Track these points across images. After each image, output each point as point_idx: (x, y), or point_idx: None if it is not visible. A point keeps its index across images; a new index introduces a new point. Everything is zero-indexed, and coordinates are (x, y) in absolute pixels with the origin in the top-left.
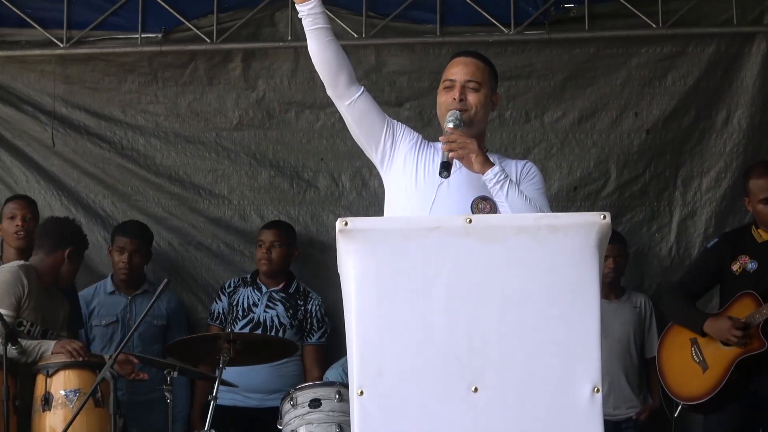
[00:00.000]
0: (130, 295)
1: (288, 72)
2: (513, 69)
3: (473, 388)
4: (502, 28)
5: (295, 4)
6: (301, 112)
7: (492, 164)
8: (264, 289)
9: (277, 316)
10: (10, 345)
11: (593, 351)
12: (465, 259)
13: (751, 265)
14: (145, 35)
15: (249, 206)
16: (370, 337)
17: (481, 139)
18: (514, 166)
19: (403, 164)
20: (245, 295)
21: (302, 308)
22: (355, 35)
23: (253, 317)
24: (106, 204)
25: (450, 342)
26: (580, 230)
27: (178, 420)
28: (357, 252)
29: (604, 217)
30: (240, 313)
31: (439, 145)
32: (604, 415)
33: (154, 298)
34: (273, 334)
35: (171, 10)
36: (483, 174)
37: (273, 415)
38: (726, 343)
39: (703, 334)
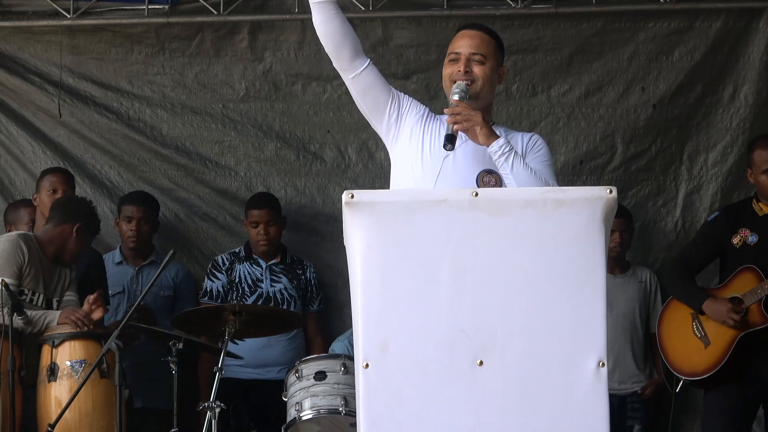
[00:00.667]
0: (138, 266)
1: (295, 44)
2: (520, 43)
3: (478, 362)
4: (510, 2)
5: None
6: (307, 85)
7: (497, 136)
8: (263, 263)
9: (285, 289)
10: (15, 315)
11: (599, 325)
12: (471, 233)
13: (752, 239)
14: (152, 6)
15: (255, 178)
16: (376, 310)
17: (488, 112)
18: (521, 139)
19: (409, 137)
20: (244, 270)
21: (302, 277)
22: (362, 8)
23: (262, 292)
24: (113, 175)
25: (455, 315)
26: (586, 204)
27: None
28: (363, 225)
29: (611, 191)
30: (246, 289)
31: (446, 117)
32: (610, 389)
33: (160, 268)
34: (285, 307)
35: None
36: (488, 146)
37: (280, 387)
38: None
39: (702, 313)
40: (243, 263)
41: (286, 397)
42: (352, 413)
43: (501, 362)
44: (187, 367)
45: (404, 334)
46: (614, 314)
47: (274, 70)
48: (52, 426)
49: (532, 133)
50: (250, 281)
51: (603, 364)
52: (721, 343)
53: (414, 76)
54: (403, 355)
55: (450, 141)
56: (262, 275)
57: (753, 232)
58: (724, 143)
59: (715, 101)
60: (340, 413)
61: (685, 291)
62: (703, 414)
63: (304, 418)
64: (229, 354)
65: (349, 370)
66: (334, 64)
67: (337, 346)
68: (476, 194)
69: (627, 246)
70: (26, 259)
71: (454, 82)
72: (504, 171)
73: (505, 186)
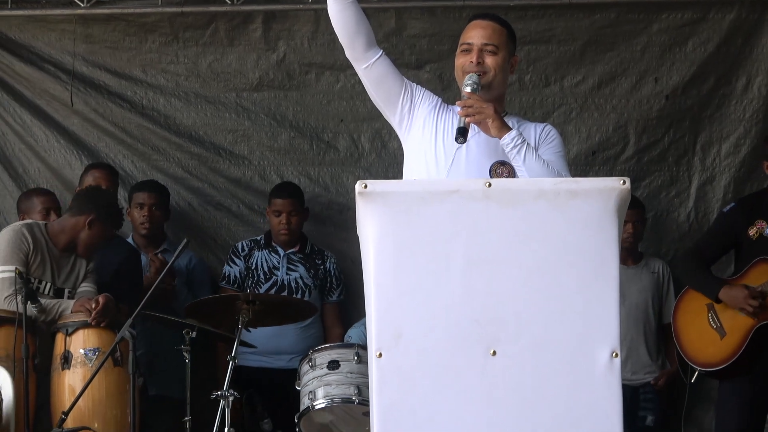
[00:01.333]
0: (150, 255)
1: (308, 33)
2: (533, 33)
3: (491, 352)
4: None
5: None
6: (321, 74)
7: (509, 128)
8: (281, 251)
9: (300, 277)
10: (29, 303)
11: (612, 315)
12: (484, 223)
13: None
14: None
15: (269, 167)
16: (389, 300)
17: (500, 103)
18: (533, 129)
19: (422, 128)
20: (262, 258)
21: (321, 267)
22: None
23: (277, 280)
24: (126, 164)
25: (468, 305)
26: (599, 195)
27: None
28: (376, 214)
29: (624, 182)
30: (262, 276)
31: (457, 110)
32: (622, 380)
33: (174, 257)
34: (299, 296)
35: None
36: (500, 138)
37: (294, 376)
38: None
39: (719, 301)
40: (262, 250)
41: (299, 386)
42: (365, 402)
43: (514, 352)
44: (201, 355)
45: (417, 323)
46: (627, 305)
47: (287, 59)
48: (66, 414)
49: (544, 124)
50: (266, 269)
51: (616, 355)
52: (737, 334)
53: (427, 66)
54: (417, 345)
55: (462, 134)
56: (278, 263)
57: None
58: (737, 134)
59: (728, 92)
60: (353, 402)
61: (701, 280)
62: (717, 405)
63: (317, 406)
64: (243, 343)
65: (362, 360)
66: (347, 54)
67: (353, 332)
68: (489, 185)
69: (640, 237)
70: (31, 247)
71: (467, 73)
72: (516, 163)
73: (518, 177)
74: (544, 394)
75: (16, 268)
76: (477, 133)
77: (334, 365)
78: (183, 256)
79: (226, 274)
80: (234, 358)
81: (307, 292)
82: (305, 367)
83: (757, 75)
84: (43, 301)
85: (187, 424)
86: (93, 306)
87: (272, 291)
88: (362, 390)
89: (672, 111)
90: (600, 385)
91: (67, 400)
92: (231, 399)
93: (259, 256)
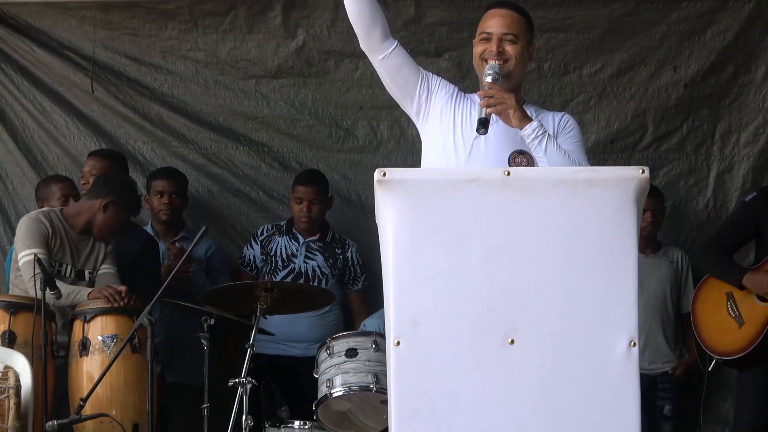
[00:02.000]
0: (169, 242)
1: (327, 21)
2: (552, 21)
3: (509, 340)
4: None
5: None
6: (340, 61)
7: (530, 119)
8: (301, 239)
9: (318, 266)
10: (48, 289)
11: (630, 304)
12: (502, 212)
13: None
14: None
15: (288, 154)
16: (407, 288)
17: (519, 92)
18: (551, 118)
19: (440, 117)
20: (282, 244)
21: (341, 257)
22: None
23: (294, 267)
24: (146, 150)
25: (486, 293)
26: (618, 184)
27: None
28: (395, 202)
29: (643, 171)
30: (279, 263)
31: (476, 97)
32: (640, 369)
33: (192, 245)
34: (315, 284)
35: None
36: (521, 129)
37: (312, 363)
38: (763, 299)
39: (742, 288)
40: (283, 236)
41: (317, 374)
42: (383, 390)
43: (532, 341)
44: (219, 342)
45: (435, 312)
46: (645, 294)
47: (306, 46)
48: (84, 400)
49: (563, 113)
50: (284, 255)
51: (634, 344)
52: (756, 323)
53: (446, 54)
54: (435, 333)
55: (483, 125)
56: (297, 251)
57: None
58: (756, 123)
59: (747, 81)
60: (371, 390)
61: (723, 268)
62: (736, 394)
63: (335, 394)
64: (261, 330)
65: (380, 348)
66: (363, 46)
67: (369, 323)
68: (508, 173)
69: (659, 226)
70: (50, 232)
71: (486, 61)
72: (538, 154)
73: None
74: (561, 383)
75: (34, 254)
76: (495, 122)
77: (352, 353)
78: (202, 243)
79: (243, 256)
80: (252, 346)
81: (324, 280)
82: (323, 354)
83: None
84: (61, 288)
85: (205, 411)
86: (111, 291)
87: (289, 278)
88: (380, 378)
89: (691, 99)
90: (618, 374)
91: (85, 387)
92: (249, 386)
93: (279, 243)
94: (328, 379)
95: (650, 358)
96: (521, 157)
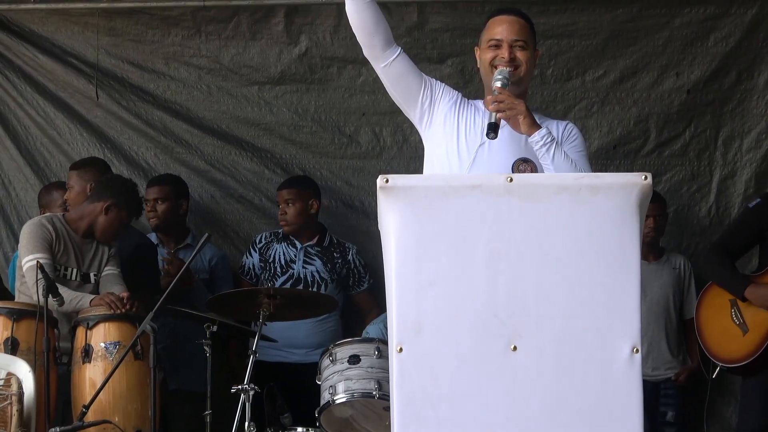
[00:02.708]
0: (173, 249)
1: (330, 27)
2: (555, 28)
3: (512, 347)
4: None
5: None
6: (343, 68)
7: (539, 126)
8: (299, 244)
9: (317, 271)
10: (51, 297)
11: (633, 311)
12: (505, 218)
13: None
14: None
15: (291, 160)
16: (410, 294)
17: (524, 98)
18: (555, 127)
19: (443, 124)
20: (280, 251)
21: (339, 260)
22: None
23: (293, 273)
24: (149, 156)
25: (489, 300)
26: (621, 190)
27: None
28: (397, 209)
29: (646, 177)
30: (278, 270)
31: (480, 103)
32: (643, 375)
33: (195, 251)
34: (315, 289)
35: None
36: (529, 136)
37: (314, 370)
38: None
39: (744, 300)
40: (281, 243)
41: (320, 381)
42: (385, 397)
43: (535, 347)
44: (222, 349)
45: (438, 318)
46: (648, 300)
47: (309, 53)
48: (87, 407)
49: (566, 122)
50: (283, 262)
51: (637, 350)
52: (760, 330)
53: (449, 60)
54: (437, 340)
55: (493, 129)
56: (295, 256)
57: None
58: (759, 129)
59: (749, 87)
60: (373, 397)
61: (726, 277)
62: (740, 401)
63: (337, 401)
64: (264, 337)
65: (383, 354)
66: (366, 53)
67: (371, 329)
68: (511, 180)
69: (661, 231)
70: (53, 236)
71: (496, 67)
72: (545, 162)
73: None
74: (564, 390)
75: (37, 261)
76: (501, 129)
77: (354, 360)
78: (206, 250)
79: (243, 265)
80: (255, 352)
81: (323, 285)
82: (326, 361)
83: None
84: (64, 294)
85: (208, 417)
86: (118, 297)
87: (288, 284)
88: (383, 385)
89: (693, 105)
90: (621, 380)
91: (88, 394)
92: (251, 393)
93: (277, 249)
94: (331, 386)
95: (653, 365)
96: (525, 165)
